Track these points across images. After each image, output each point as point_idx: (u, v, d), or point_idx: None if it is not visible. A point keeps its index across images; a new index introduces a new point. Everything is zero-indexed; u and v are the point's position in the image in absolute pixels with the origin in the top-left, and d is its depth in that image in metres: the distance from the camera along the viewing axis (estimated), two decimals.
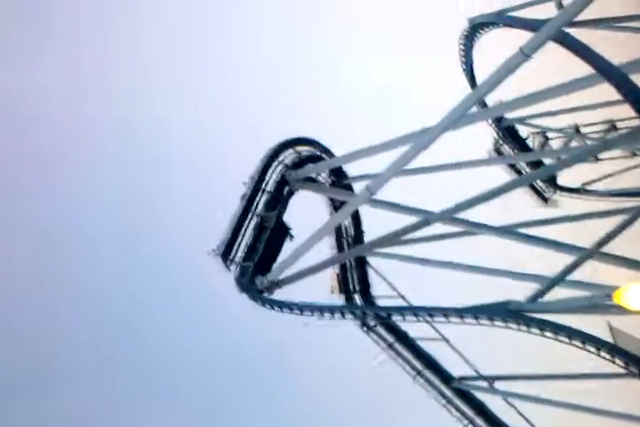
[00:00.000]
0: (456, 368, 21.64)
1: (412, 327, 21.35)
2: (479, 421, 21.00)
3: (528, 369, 21.26)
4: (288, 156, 23.27)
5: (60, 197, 50.40)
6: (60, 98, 50.26)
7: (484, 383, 21.05)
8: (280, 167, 22.94)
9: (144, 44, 52.22)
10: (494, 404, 21.42)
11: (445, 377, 21.39)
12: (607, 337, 17.47)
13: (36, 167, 50.08)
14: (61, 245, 50.30)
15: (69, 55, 51.30)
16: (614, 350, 17.04)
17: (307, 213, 24.57)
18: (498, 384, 21.05)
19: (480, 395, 21.32)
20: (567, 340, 17.18)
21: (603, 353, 17.08)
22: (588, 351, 17.08)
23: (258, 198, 22.01)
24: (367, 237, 23.57)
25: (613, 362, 17.07)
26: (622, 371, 17.23)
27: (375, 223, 24.01)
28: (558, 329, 17.20)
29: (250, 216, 21.62)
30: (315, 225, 21.70)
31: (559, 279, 18.42)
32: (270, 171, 22.66)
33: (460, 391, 21.23)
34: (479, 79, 31.08)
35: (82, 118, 51.38)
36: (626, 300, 15.50)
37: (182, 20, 53.12)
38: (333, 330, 20.79)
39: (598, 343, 17.06)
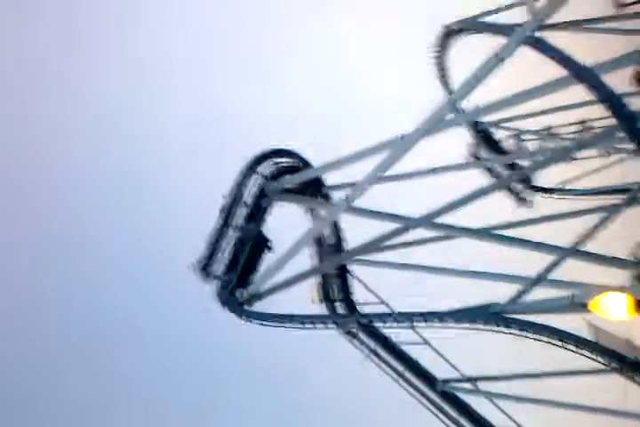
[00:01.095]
0: (442, 373, 21.73)
1: (398, 332, 21.43)
2: (463, 421, 21.06)
3: (512, 370, 21.36)
4: (266, 167, 23.36)
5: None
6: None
7: (467, 385, 21.13)
8: (259, 179, 23.01)
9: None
10: (480, 405, 21.52)
11: (428, 379, 21.46)
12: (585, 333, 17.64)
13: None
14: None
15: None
16: (595, 348, 17.22)
17: (287, 221, 24.62)
18: (481, 385, 21.16)
19: (464, 396, 21.40)
20: (547, 339, 17.37)
21: (584, 351, 17.26)
22: (569, 350, 17.27)
23: (237, 211, 22.06)
24: (348, 245, 23.64)
25: (595, 360, 17.26)
26: (604, 367, 17.41)
27: (356, 231, 24.10)
28: (539, 330, 17.38)
29: (229, 229, 21.67)
30: (295, 234, 21.78)
31: (539, 280, 18.56)
32: (249, 183, 22.74)
33: (444, 393, 21.29)
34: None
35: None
36: (602, 309, 15.71)
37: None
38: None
39: (579, 342, 17.23)
